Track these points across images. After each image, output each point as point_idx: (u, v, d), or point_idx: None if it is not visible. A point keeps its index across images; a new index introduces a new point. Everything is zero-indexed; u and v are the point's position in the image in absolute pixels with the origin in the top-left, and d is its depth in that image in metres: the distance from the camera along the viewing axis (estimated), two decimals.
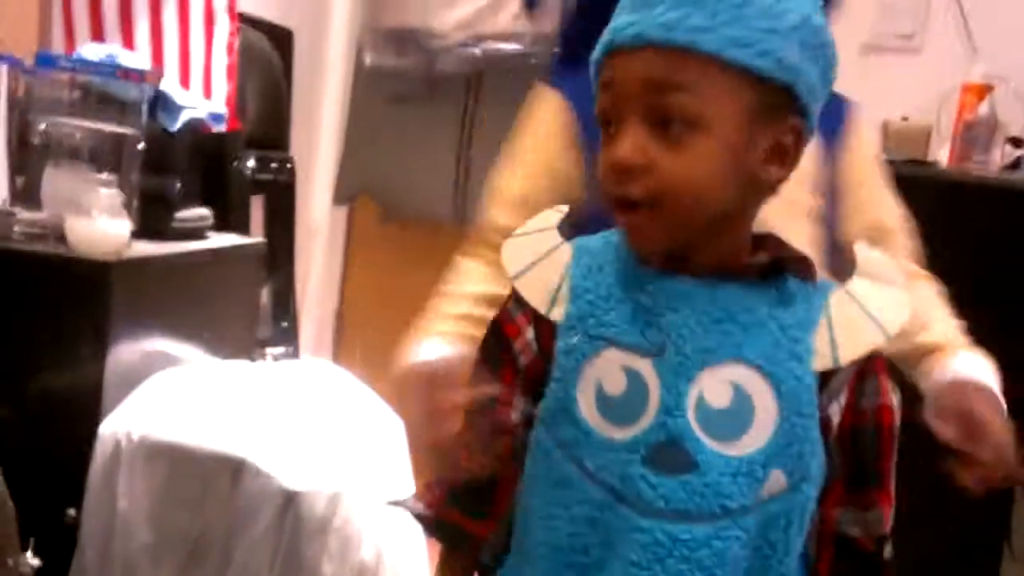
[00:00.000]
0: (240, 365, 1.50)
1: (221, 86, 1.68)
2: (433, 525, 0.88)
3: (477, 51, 1.85)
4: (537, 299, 0.83)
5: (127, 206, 1.36)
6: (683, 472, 0.76)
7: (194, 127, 1.56)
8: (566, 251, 0.84)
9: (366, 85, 2.23)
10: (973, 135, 2.02)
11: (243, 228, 1.77)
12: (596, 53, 0.79)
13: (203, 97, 1.68)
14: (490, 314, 0.96)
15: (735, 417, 0.78)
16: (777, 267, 0.80)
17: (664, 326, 0.78)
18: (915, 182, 1.22)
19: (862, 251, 0.83)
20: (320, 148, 2.41)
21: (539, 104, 1.08)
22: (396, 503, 0.93)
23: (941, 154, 2.09)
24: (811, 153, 1.02)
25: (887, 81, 2.06)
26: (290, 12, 2.21)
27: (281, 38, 2.17)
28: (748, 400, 0.78)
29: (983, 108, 2.03)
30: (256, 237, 1.85)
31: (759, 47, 0.74)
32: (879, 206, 1.11)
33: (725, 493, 0.76)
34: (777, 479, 0.77)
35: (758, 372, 0.78)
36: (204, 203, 1.60)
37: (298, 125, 2.21)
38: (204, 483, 1.24)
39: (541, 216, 0.87)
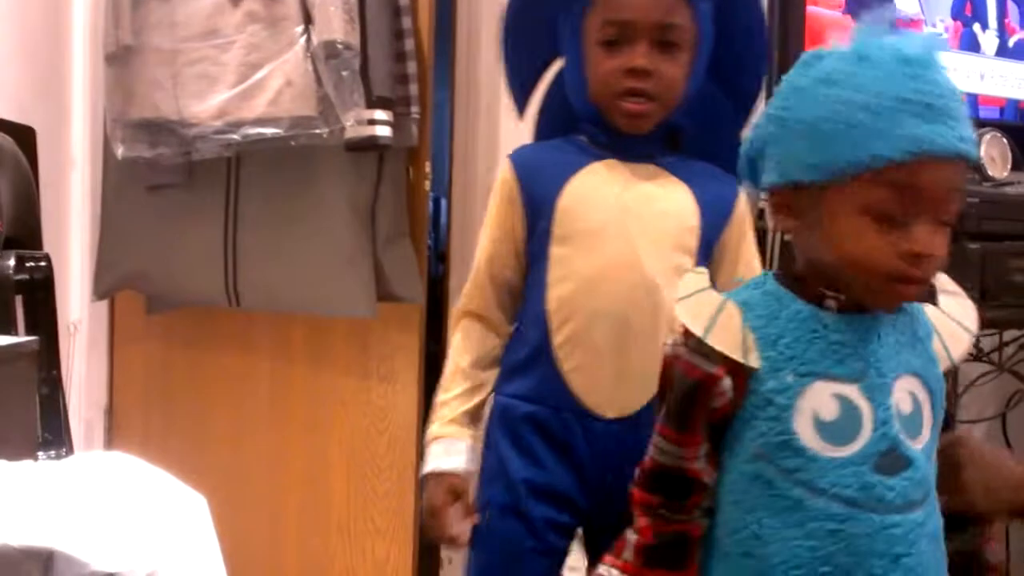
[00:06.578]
0: (25, 464, 1.46)
1: None
2: None
3: (236, 136, 1.89)
4: (733, 350, 0.97)
5: None
6: (903, 470, 0.96)
7: None
8: (732, 306, 1.00)
9: (119, 177, 2.21)
10: None
11: (9, 329, 1.72)
12: (890, 152, 0.92)
13: None
14: (485, 375, 1.29)
15: (916, 418, 1.00)
16: None
17: (863, 355, 0.97)
18: None
19: (939, 275, 1.06)
20: (71, 244, 2.36)
21: (499, 173, 1.35)
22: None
23: None
24: (695, 227, 1.32)
25: None
26: (29, 110, 2.18)
27: (24, 136, 2.13)
28: (919, 403, 1.00)
29: None
30: (25, 336, 1.81)
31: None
32: (753, 258, 1.39)
33: (928, 480, 1.00)
34: (934, 463, 1.02)
35: (919, 379, 1.01)
36: None
37: (48, 222, 2.17)
38: None
39: (691, 278, 1.04)
